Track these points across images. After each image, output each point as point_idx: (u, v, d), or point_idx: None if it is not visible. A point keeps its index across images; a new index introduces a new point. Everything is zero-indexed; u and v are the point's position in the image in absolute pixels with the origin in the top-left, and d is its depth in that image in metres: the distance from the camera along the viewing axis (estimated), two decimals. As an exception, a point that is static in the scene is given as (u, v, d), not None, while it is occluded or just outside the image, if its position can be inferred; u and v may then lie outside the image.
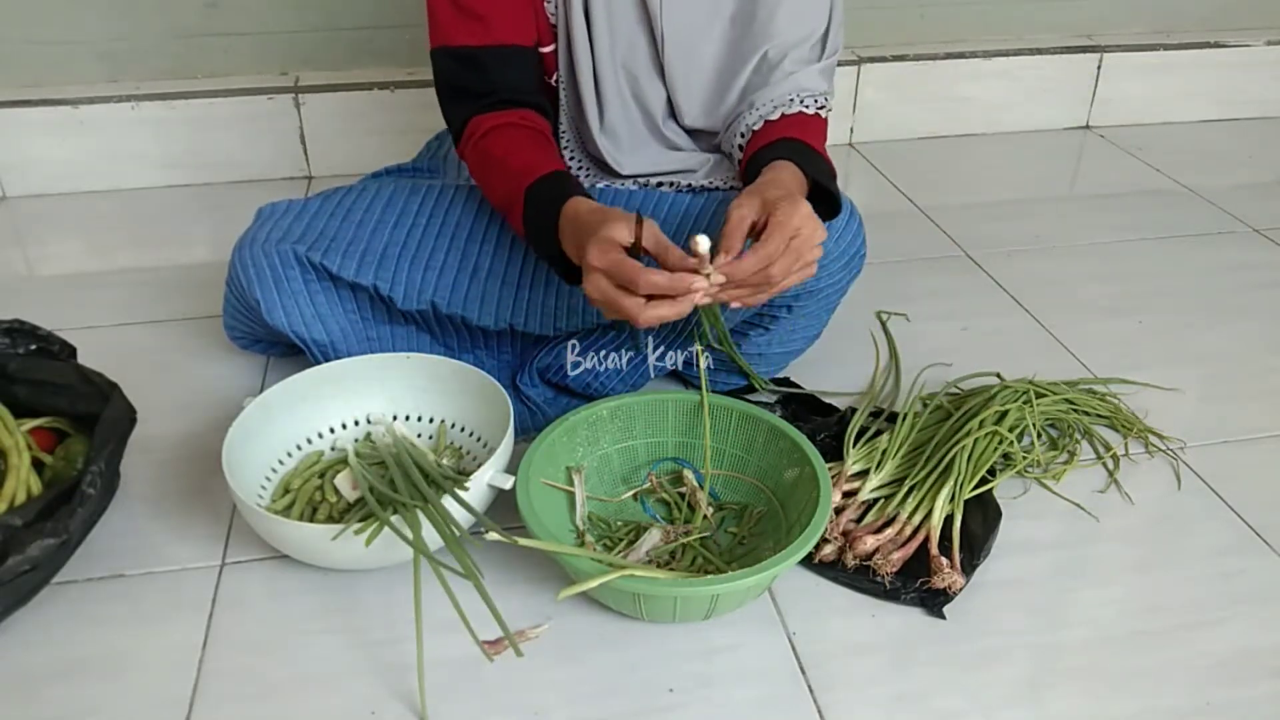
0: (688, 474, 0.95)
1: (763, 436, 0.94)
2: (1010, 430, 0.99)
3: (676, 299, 0.77)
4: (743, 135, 0.97)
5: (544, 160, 0.93)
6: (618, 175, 1.06)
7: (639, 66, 1.01)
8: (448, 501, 0.82)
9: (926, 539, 0.88)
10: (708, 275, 0.77)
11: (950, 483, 0.92)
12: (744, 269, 0.78)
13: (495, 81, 0.97)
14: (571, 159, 1.07)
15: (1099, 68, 1.86)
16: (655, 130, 1.05)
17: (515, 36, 0.97)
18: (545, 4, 0.98)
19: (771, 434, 0.93)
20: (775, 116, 0.95)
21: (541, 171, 0.90)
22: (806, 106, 0.96)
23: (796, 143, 0.92)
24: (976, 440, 0.96)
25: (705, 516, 0.90)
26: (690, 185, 1.04)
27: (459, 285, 0.99)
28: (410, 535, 0.79)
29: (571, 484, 0.91)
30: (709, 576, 0.77)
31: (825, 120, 0.99)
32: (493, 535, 0.78)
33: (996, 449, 0.98)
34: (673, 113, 1.04)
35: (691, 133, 1.06)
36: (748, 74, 0.98)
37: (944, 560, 0.86)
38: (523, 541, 0.78)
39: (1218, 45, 1.88)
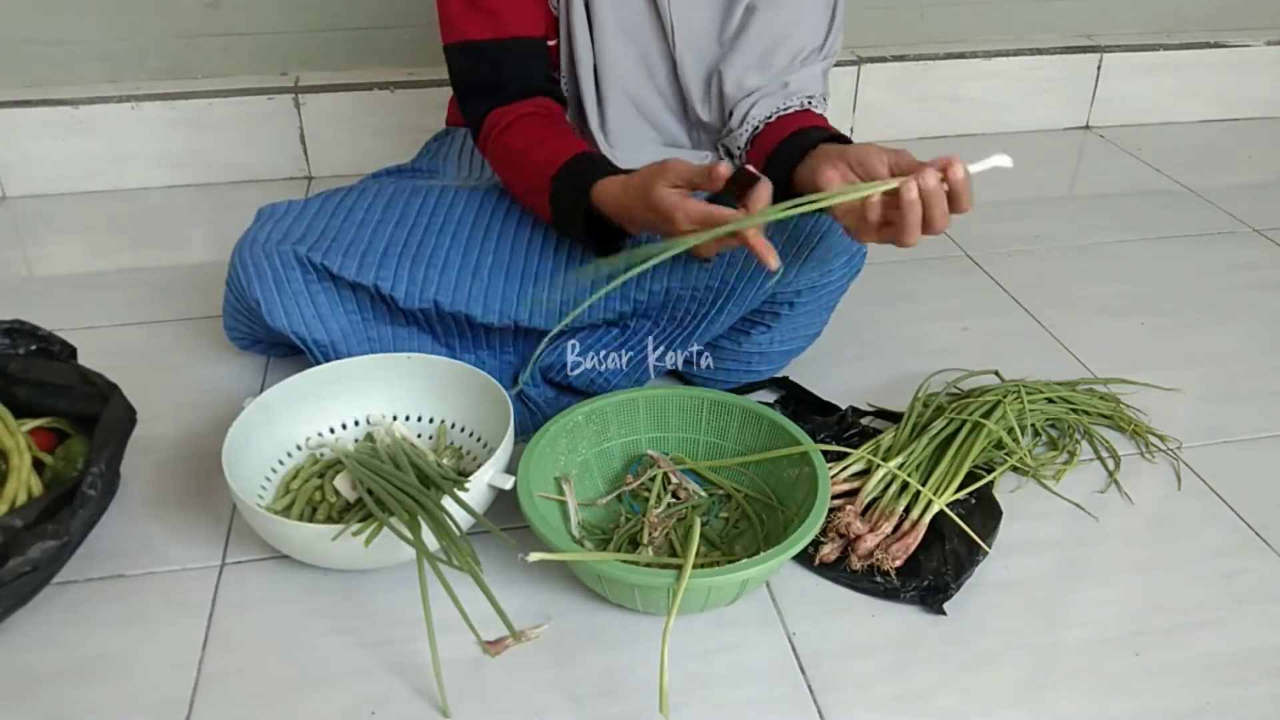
0: (666, 460, 0.95)
1: (764, 433, 0.94)
2: (1009, 430, 0.99)
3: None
4: (753, 132, 0.98)
5: (564, 146, 0.94)
6: None
7: (652, 61, 1.01)
8: (447, 502, 0.82)
9: (925, 533, 0.88)
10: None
11: (949, 481, 0.92)
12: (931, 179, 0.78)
13: (508, 74, 0.97)
14: (571, 155, 1.08)
15: (1099, 68, 1.86)
16: (659, 126, 1.05)
17: (525, 28, 0.97)
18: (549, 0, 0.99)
19: (772, 431, 0.93)
20: (788, 111, 0.97)
21: (564, 158, 0.91)
22: (815, 106, 0.97)
23: (822, 130, 0.94)
24: (975, 440, 0.96)
25: (696, 499, 0.92)
26: None
27: (461, 282, 0.99)
28: (410, 535, 0.79)
29: (562, 493, 0.91)
30: (706, 569, 0.78)
31: (825, 119, 1.00)
32: (520, 546, 0.78)
33: (995, 448, 0.98)
34: (680, 109, 1.05)
35: (699, 127, 1.06)
36: (749, 69, 0.99)
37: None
38: (533, 556, 0.77)
39: (1218, 45, 1.88)
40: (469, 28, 0.97)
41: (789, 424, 0.92)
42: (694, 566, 0.77)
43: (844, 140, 0.92)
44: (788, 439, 0.91)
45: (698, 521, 0.84)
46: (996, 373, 1.13)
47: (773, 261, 0.82)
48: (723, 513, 0.93)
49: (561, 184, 0.91)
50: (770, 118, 0.97)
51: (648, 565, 0.80)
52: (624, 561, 0.78)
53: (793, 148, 0.92)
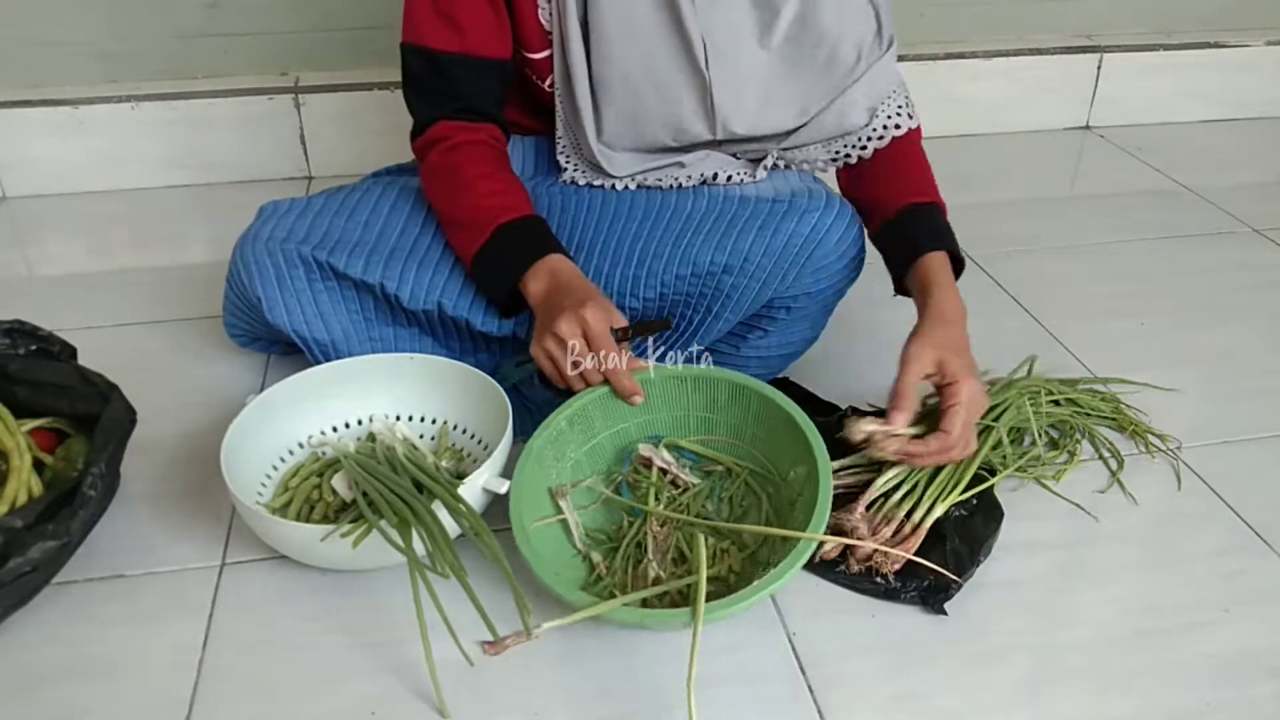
0: (658, 454, 0.94)
1: (753, 403, 0.94)
2: (1010, 430, 0.99)
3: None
4: (858, 147, 1.03)
5: (518, 198, 0.97)
6: (611, 175, 1.05)
7: (671, 74, 0.98)
8: (438, 507, 0.82)
9: (927, 536, 0.88)
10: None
11: (949, 482, 0.92)
12: (924, 451, 0.87)
13: (460, 90, 0.98)
14: (567, 162, 1.07)
15: (1099, 68, 1.86)
16: (656, 137, 1.03)
17: (488, 50, 0.97)
18: (539, 11, 0.98)
19: (760, 400, 0.93)
20: (883, 141, 1.01)
21: (518, 211, 0.95)
22: (908, 119, 1.02)
23: (923, 210, 1.00)
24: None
25: (690, 487, 0.92)
26: (679, 182, 1.04)
27: (467, 289, 0.99)
28: (398, 538, 0.79)
29: (559, 510, 0.90)
30: (713, 601, 0.75)
31: (919, 130, 1.04)
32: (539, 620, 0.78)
33: (995, 448, 0.98)
34: (703, 119, 1.02)
35: (724, 142, 1.04)
36: (814, 77, 0.98)
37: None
38: (546, 626, 0.76)
39: (1218, 45, 1.88)
40: (432, 36, 0.96)
41: (775, 393, 0.92)
42: (706, 567, 0.76)
43: (935, 233, 0.98)
44: (775, 408, 0.91)
45: (703, 548, 0.80)
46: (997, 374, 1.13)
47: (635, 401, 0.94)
48: (725, 491, 0.92)
49: (508, 236, 0.94)
50: (874, 141, 1.02)
51: (657, 583, 0.79)
52: (635, 586, 0.78)
53: (901, 240, 0.99)
